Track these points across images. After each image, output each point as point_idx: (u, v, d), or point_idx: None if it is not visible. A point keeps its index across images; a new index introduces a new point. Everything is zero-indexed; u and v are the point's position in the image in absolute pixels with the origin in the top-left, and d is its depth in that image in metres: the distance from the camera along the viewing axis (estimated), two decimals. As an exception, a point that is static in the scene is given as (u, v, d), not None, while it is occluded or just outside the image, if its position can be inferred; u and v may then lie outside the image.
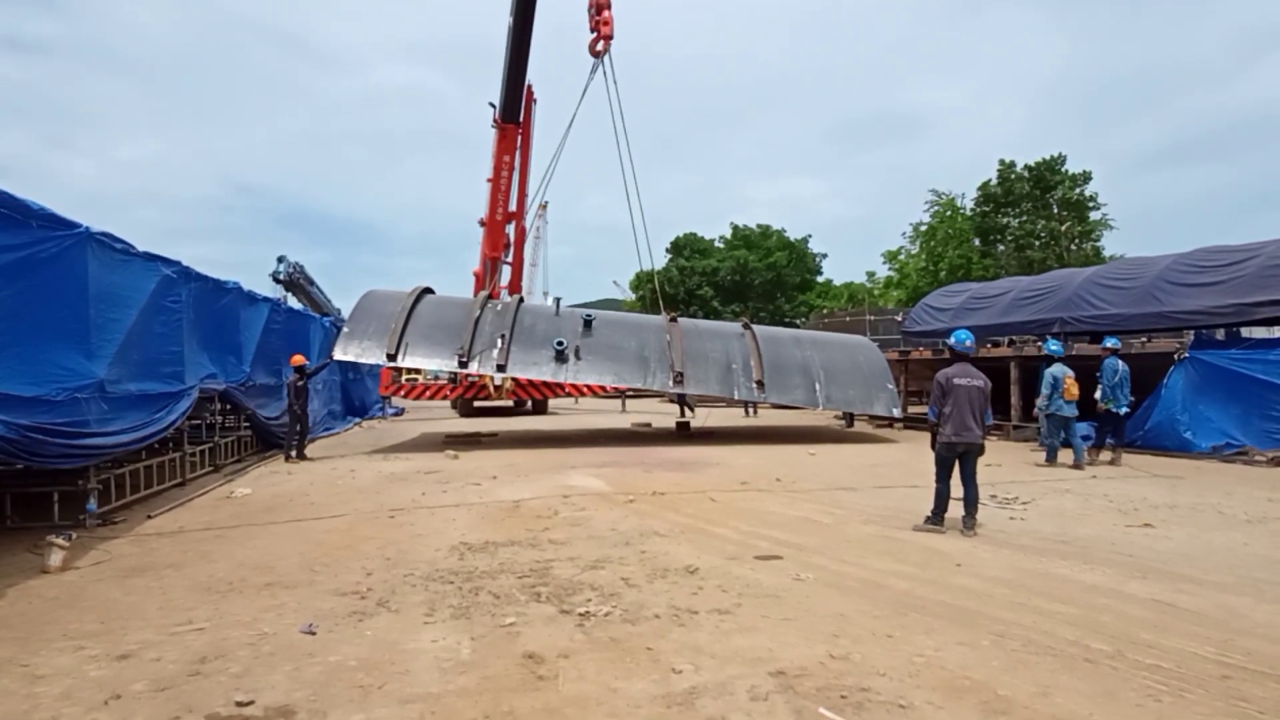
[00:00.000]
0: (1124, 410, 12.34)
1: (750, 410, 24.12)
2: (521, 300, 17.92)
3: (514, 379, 17.84)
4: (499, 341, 14.89)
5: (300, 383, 13.66)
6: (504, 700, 3.74)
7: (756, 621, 4.87)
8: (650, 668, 4.13)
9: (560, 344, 15.12)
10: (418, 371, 19.17)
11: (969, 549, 6.84)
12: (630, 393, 27.61)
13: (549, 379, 15.96)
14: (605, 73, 17.79)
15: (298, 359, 14.04)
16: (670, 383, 15.48)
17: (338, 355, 14.62)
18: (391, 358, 14.33)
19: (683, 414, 21.57)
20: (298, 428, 13.61)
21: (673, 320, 17.17)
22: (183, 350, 10.14)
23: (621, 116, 18.04)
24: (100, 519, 8.11)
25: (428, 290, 16.68)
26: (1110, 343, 13.03)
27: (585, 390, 20.96)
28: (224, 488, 10.58)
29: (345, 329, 14.83)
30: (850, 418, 20.46)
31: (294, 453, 13.47)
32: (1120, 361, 12.49)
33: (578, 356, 15.26)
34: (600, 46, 17.89)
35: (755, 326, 17.94)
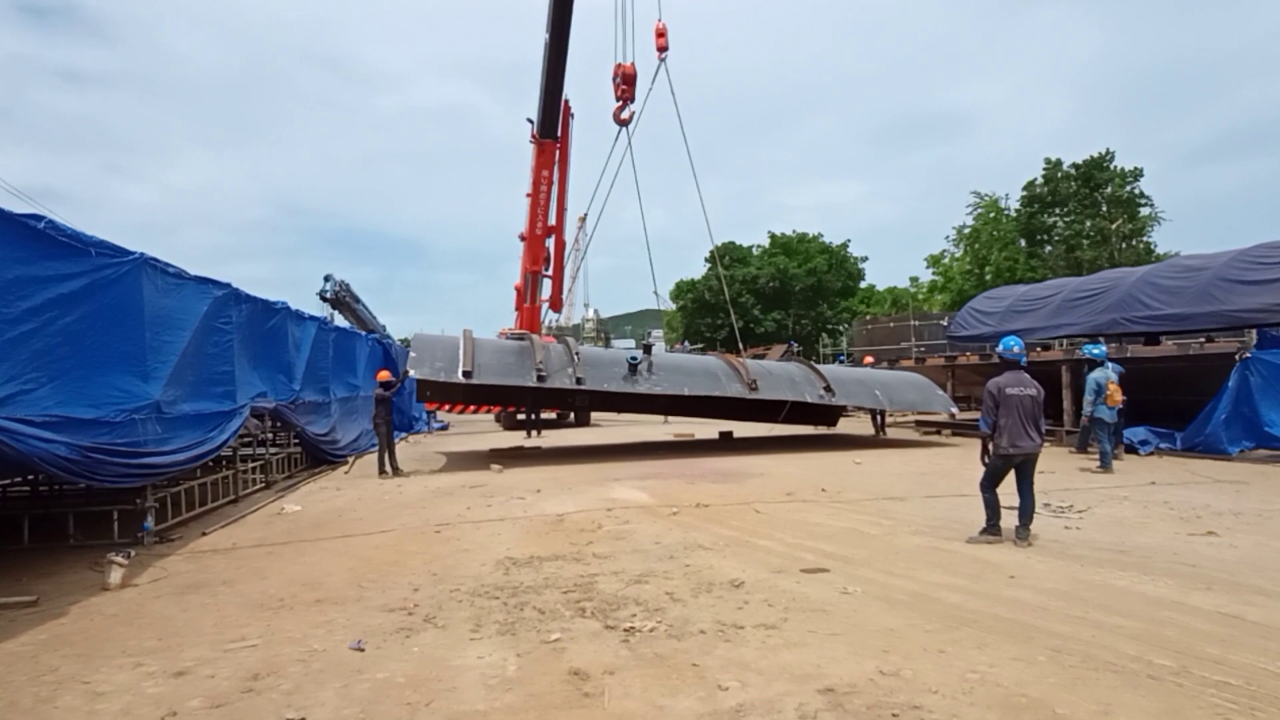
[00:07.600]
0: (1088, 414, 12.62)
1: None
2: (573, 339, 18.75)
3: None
4: (575, 358, 15.82)
5: (384, 395, 14.00)
6: (550, 718, 3.73)
7: (804, 636, 4.80)
8: (696, 684, 4.09)
9: (634, 359, 16.03)
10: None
11: (1023, 560, 6.66)
12: None
13: (626, 391, 16.74)
14: (668, 87, 18.55)
15: (383, 375, 14.54)
16: (746, 390, 16.26)
17: (413, 373, 15.16)
18: (468, 374, 14.90)
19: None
20: (386, 444, 13.84)
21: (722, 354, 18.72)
22: (234, 370, 10.39)
23: (685, 138, 18.76)
24: (157, 536, 8.33)
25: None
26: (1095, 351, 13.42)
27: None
28: (275, 504, 10.80)
29: (413, 355, 15.63)
30: (880, 426, 20.14)
31: (389, 468, 13.68)
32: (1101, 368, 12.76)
33: (650, 371, 16.12)
34: (657, 58, 18.56)
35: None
